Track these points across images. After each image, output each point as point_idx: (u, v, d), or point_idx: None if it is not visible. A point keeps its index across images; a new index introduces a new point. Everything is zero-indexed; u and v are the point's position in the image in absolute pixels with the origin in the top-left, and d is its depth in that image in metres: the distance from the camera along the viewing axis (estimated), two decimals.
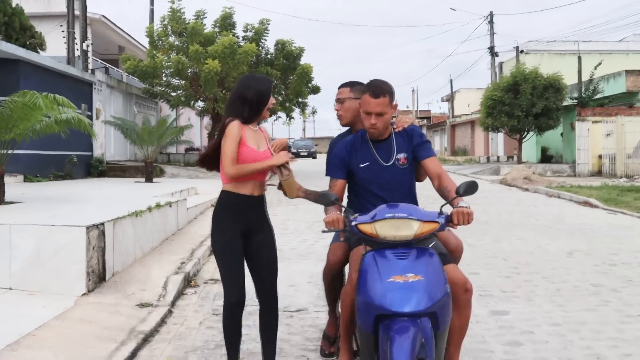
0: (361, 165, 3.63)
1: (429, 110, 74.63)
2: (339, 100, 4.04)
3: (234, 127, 3.36)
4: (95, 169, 17.10)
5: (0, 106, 7.47)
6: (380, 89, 3.47)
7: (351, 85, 4.04)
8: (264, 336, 3.67)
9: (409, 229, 3.03)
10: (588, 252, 7.99)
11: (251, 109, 3.46)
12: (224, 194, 3.51)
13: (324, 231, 3.27)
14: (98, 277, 5.76)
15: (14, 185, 12.28)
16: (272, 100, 3.57)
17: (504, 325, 4.95)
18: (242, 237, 3.48)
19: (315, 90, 22.67)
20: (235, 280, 3.37)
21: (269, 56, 21.94)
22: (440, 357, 3.01)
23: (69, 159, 15.45)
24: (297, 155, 47.53)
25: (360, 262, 3.14)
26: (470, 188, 3.17)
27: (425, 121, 59.99)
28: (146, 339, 4.57)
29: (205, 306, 5.56)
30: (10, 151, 7.96)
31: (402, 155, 3.63)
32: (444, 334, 2.98)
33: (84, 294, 5.42)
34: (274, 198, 14.65)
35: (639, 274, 6.81)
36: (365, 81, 3.79)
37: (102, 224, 5.87)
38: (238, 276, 3.38)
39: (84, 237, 5.48)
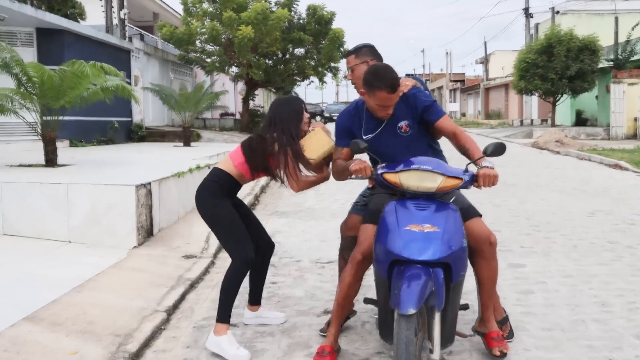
0: (365, 137, 3.62)
1: (463, 74, 73.63)
2: (349, 70, 4.04)
3: None
4: (135, 134, 17.77)
5: (52, 75, 8.01)
6: (395, 82, 3.39)
7: (355, 51, 4.01)
8: (263, 276, 4.25)
9: (432, 182, 3.19)
10: (609, 212, 8.25)
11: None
12: (227, 177, 3.90)
13: (350, 178, 3.47)
14: (146, 232, 6.33)
15: (61, 149, 12.97)
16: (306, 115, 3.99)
17: (520, 277, 5.34)
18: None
19: (347, 54, 22.76)
20: (247, 239, 3.83)
21: (301, 21, 22.10)
22: (455, 308, 3.22)
23: (110, 124, 16.12)
24: (330, 119, 47.89)
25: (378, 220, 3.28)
26: (498, 149, 3.27)
27: (458, 84, 59.31)
28: (192, 285, 5.11)
29: None
30: (61, 118, 8.54)
31: (403, 123, 3.59)
32: (458, 286, 3.17)
33: (134, 247, 6.00)
34: None
35: None
36: (374, 44, 3.93)
37: (149, 183, 6.41)
38: (247, 237, 3.84)
39: (134, 195, 6.03)
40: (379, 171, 3.31)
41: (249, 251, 3.80)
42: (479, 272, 3.57)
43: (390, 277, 3.08)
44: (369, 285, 4.34)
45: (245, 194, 9.27)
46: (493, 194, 9.73)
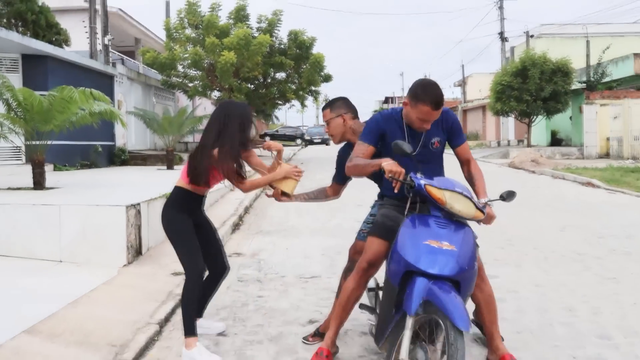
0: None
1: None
2: (326, 123, 4.26)
3: None
4: (118, 157, 17.93)
5: (42, 100, 8.24)
6: (440, 100, 3.50)
7: (330, 105, 4.25)
8: (210, 293, 4.46)
9: (470, 209, 3.38)
10: (580, 227, 8.64)
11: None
12: (183, 192, 4.15)
13: (368, 177, 3.70)
14: (135, 251, 6.54)
15: (46, 173, 13.12)
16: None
17: (494, 287, 5.60)
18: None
19: (327, 78, 23.31)
20: (198, 253, 4.08)
21: (282, 46, 22.60)
22: None
23: (94, 148, 16.29)
24: (310, 142, 48.27)
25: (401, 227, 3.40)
26: (511, 195, 3.63)
27: None
28: None
29: (231, 275, 6.20)
30: (50, 142, 8.74)
31: (436, 139, 3.74)
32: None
33: (124, 265, 6.20)
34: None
35: (623, 244, 7.46)
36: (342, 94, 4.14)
37: (139, 204, 6.64)
38: (199, 251, 4.10)
39: (124, 215, 6.25)
40: (421, 181, 3.37)
41: (199, 263, 4.04)
42: (478, 294, 3.80)
43: (401, 286, 3.26)
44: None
45: (230, 214, 9.52)
46: None
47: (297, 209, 10.84)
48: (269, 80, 22.97)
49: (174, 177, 11.93)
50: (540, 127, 29.08)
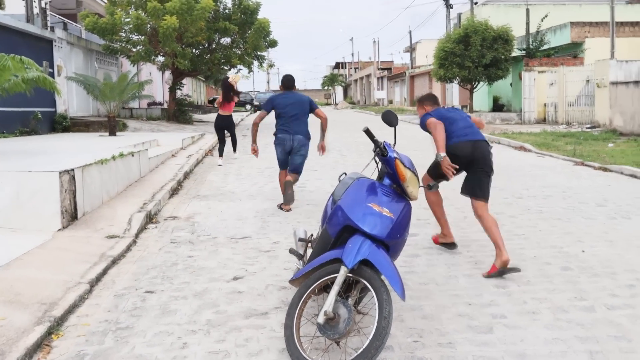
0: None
1: (392, 62, 75.37)
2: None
3: None
4: (59, 124, 17.62)
5: None
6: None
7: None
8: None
9: (415, 192, 3.84)
10: (503, 188, 9.16)
11: None
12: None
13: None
14: (71, 216, 6.68)
15: None
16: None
17: (410, 244, 6.01)
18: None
19: (273, 43, 23.30)
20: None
21: (227, 11, 22.40)
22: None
23: (33, 115, 15.98)
24: (259, 107, 48.10)
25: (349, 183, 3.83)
26: (435, 187, 4.25)
27: (386, 72, 60.71)
28: (114, 261, 5.55)
29: (164, 237, 6.55)
30: None
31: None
32: None
33: (59, 230, 6.35)
34: (230, 148, 15.55)
35: (538, 204, 8.01)
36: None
37: (72, 170, 6.76)
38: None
39: (57, 181, 6.37)
40: (394, 154, 3.80)
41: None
42: (489, 219, 5.23)
43: (336, 239, 3.62)
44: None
45: (168, 180, 9.67)
46: None
47: (236, 174, 11.07)
48: (214, 46, 22.79)
49: (116, 144, 12.08)
50: (483, 93, 29.84)
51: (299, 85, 9.31)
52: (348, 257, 3.35)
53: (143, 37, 20.82)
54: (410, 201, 3.87)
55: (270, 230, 6.74)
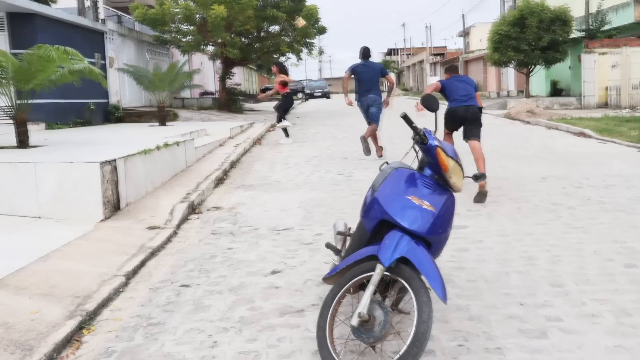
0: None
1: (445, 47, 73.79)
2: None
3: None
4: (112, 115, 17.93)
5: (20, 59, 8.24)
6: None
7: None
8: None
9: (459, 183, 3.49)
10: (562, 177, 8.66)
11: None
12: None
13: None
14: (113, 206, 6.65)
15: (37, 132, 13.19)
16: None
17: (460, 237, 5.73)
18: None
19: (322, 30, 23.04)
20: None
21: None
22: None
23: (87, 106, 16.29)
24: (310, 96, 48.03)
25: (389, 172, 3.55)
26: (482, 177, 3.90)
27: (439, 58, 59.48)
28: (153, 253, 5.46)
29: (206, 228, 6.44)
30: (31, 101, 8.77)
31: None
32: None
33: (101, 220, 6.33)
34: (279, 137, 15.42)
35: (599, 194, 7.49)
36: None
37: (114, 160, 6.72)
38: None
39: (99, 171, 6.34)
40: (434, 142, 3.44)
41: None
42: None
43: (372, 234, 3.35)
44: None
45: (214, 169, 9.60)
46: None
47: (283, 163, 10.91)
48: (263, 34, 22.69)
49: (164, 134, 12.13)
50: (540, 77, 28.74)
51: None
52: (385, 255, 3.08)
53: (193, 27, 20.90)
54: (454, 193, 3.56)
55: (313, 222, 6.53)
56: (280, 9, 21.39)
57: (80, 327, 3.80)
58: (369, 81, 10.46)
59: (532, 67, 25.68)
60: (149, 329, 3.80)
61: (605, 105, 23.63)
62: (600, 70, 23.48)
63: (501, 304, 4.03)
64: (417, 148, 3.60)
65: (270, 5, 21.64)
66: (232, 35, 20.46)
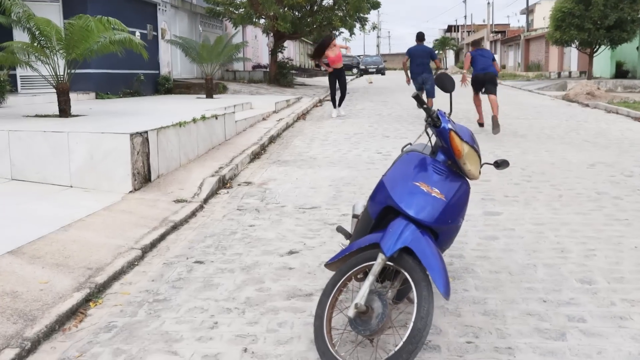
0: None
1: (508, 24, 71.38)
2: None
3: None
4: (162, 86, 18.11)
5: (59, 30, 8.34)
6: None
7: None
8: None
9: (476, 170, 3.29)
10: (611, 164, 8.18)
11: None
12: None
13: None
14: (144, 178, 6.67)
15: (85, 101, 13.47)
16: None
17: (491, 224, 5.47)
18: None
19: (376, 5, 22.55)
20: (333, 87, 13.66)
21: None
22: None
23: (136, 77, 16.48)
24: (365, 72, 47.41)
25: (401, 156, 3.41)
26: (505, 164, 3.50)
27: (499, 35, 57.57)
28: (175, 227, 5.44)
29: (232, 203, 6.38)
30: (79, 70, 8.88)
31: None
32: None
33: (130, 192, 6.35)
34: (324, 113, 15.24)
35: None
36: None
37: (146, 132, 6.71)
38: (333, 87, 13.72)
39: (128, 143, 6.35)
40: (448, 125, 3.23)
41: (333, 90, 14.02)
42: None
43: (379, 219, 3.18)
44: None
45: (252, 143, 9.53)
46: (499, 144, 9.75)
47: (323, 139, 10.75)
48: (315, 8, 22.39)
49: (207, 106, 12.19)
50: (605, 57, 27.35)
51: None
52: (387, 244, 2.90)
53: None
54: (469, 181, 3.32)
55: (341, 201, 6.37)
56: None
57: (87, 300, 3.79)
58: (420, 62, 12.79)
59: (596, 47, 24.45)
60: (153, 305, 3.76)
61: None
62: None
63: (521, 299, 3.79)
64: (430, 132, 3.36)
65: None
66: (285, 9, 20.26)
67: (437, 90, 9.68)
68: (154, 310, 3.66)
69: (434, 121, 3.24)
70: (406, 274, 2.87)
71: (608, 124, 12.81)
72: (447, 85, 3.50)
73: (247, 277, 4.19)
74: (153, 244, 4.91)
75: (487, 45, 58.94)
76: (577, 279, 4.11)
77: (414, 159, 3.27)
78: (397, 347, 2.69)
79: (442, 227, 3.06)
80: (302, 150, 9.65)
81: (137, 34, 16.45)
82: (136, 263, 4.52)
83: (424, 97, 12.25)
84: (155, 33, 18.19)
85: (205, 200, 6.40)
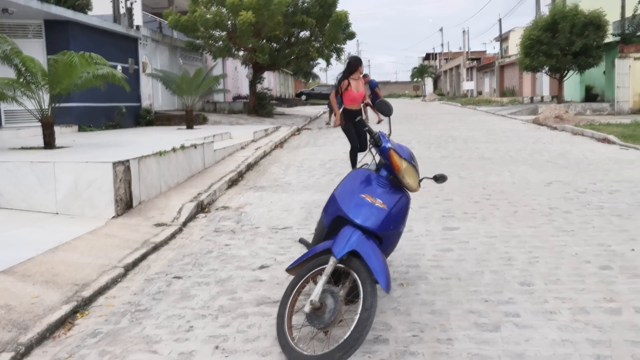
0: None
1: (484, 51, 73.22)
2: None
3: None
4: (143, 118, 18.55)
5: (49, 66, 8.80)
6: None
7: None
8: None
9: (414, 183, 3.79)
10: (567, 182, 8.74)
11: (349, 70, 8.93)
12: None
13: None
14: (126, 204, 7.07)
15: (68, 134, 13.86)
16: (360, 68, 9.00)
17: (448, 238, 5.95)
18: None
19: (351, 35, 23.29)
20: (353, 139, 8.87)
21: (305, 5, 22.59)
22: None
23: (118, 110, 16.94)
24: None
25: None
26: (442, 178, 3.98)
27: (475, 62, 59.00)
28: (156, 248, 5.84)
29: (210, 226, 6.80)
30: (63, 104, 9.31)
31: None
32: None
33: (113, 217, 6.75)
34: (301, 141, 15.77)
35: (601, 199, 7.57)
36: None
37: (128, 160, 7.14)
38: (353, 138, 8.90)
39: (111, 171, 6.77)
40: (388, 145, 3.73)
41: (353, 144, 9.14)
42: None
43: (331, 228, 3.67)
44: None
45: (229, 171, 9.98)
46: (462, 167, 10.29)
47: (299, 166, 11.23)
48: (293, 40, 23.09)
49: (187, 137, 12.56)
50: (575, 82, 28.34)
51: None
52: (337, 248, 3.37)
53: (224, 32, 21.45)
54: (409, 193, 3.81)
55: (312, 222, 6.80)
56: (310, 15, 21.74)
57: (74, 311, 4.18)
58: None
59: (565, 72, 25.40)
60: (135, 314, 4.15)
61: (639, 111, 23.23)
62: (635, 76, 23.08)
63: (466, 300, 4.24)
64: (373, 151, 3.86)
65: (300, 11, 22.01)
66: (262, 41, 20.91)
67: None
68: (136, 319, 4.06)
69: (376, 141, 3.73)
70: (354, 273, 3.33)
71: (572, 146, 13.46)
72: (386, 110, 4.01)
73: (221, 289, 4.61)
74: (135, 263, 5.31)
75: (463, 72, 60.35)
76: (518, 282, 4.58)
77: (361, 174, 3.77)
78: (346, 336, 3.13)
79: (385, 232, 3.53)
80: (277, 176, 10.11)
81: (119, 67, 16.95)
82: (119, 280, 4.92)
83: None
84: (136, 66, 18.69)
85: (184, 224, 6.82)
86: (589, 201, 7.48)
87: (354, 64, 8.91)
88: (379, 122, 13.16)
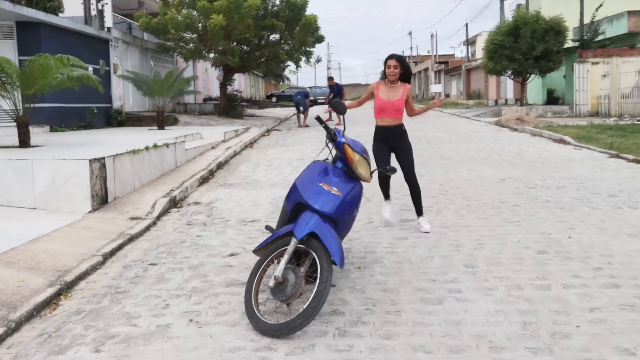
0: None
1: (452, 55, 74.53)
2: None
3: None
4: (114, 119, 18.76)
5: (23, 67, 9.07)
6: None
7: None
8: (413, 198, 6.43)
9: (366, 174, 4.33)
10: (520, 179, 9.34)
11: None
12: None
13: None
14: (101, 200, 7.41)
15: (40, 134, 14.04)
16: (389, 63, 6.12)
17: (404, 228, 6.44)
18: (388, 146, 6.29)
19: (320, 39, 23.80)
20: (382, 163, 5.91)
21: (275, 8, 23.04)
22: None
23: (89, 110, 17.13)
24: (314, 102, 48.84)
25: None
26: (392, 170, 4.65)
27: (443, 66, 60.13)
28: (131, 239, 6.21)
29: (182, 220, 7.18)
30: (33, 105, 9.59)
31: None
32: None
33: (90, 212, 7.09)
34: (270, 141, 16.18)
35: (548, 194, 8.16)
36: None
37: (103, 158, 7.48)
38: (385, 162, 6.04)
39: (88, 167, 7.11)
40: (342, 139, 4.25)
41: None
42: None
43: (292, 213, 4.15)
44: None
45: (200, 169, 10.36)
46: (424, 166, 10.84)
47: (267, 165, 11.65)
48: (263, 43, 23.51)
49: (159, 137, 12.87)
50: (537, 85, 29.39)
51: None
52: (298, 230, 3.83)
53: (194, 35, 21.76)
54: (362, 182, 4.30)
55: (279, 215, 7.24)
56: (280, 19, 22.19)
57: (58, 294, 4.54)
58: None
59: (527, 76, 26.33)
60: (115, 295, 4.54)
61: (597, 113, 24.23)
62: (593, 80, 24.09)
63: (415, 280, 4.74)
64: (330, 145, 4.34)
65: (270, 14, 22.44)
66: (233, 43, 21.29)
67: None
68: (116, 299, 4.45)
69: (331, 137, 4.21)
70: (312, 252, 3.79)
71: (529, 146, 14.15)
72: (341, 109, 4.50)
73: (194, 274, 5.02)
74: (112, 252, 5.68)
75: (431, 75, 61.47)
76: (463, 265, 5.09)
77: (319, 166, 4.24)
78: (305, 305, 3.59)
79: (340, 216, 4.01)
80: (247, 174, 10.53)
81: (90, 69, 17.13)
82: (98, 267, 5.29)
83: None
84: (107, 68, 18.89)
85: (158, 218, 7.19)
86: (537, 196, 8.07)
87: (385, 61, 6.20)
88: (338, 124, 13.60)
